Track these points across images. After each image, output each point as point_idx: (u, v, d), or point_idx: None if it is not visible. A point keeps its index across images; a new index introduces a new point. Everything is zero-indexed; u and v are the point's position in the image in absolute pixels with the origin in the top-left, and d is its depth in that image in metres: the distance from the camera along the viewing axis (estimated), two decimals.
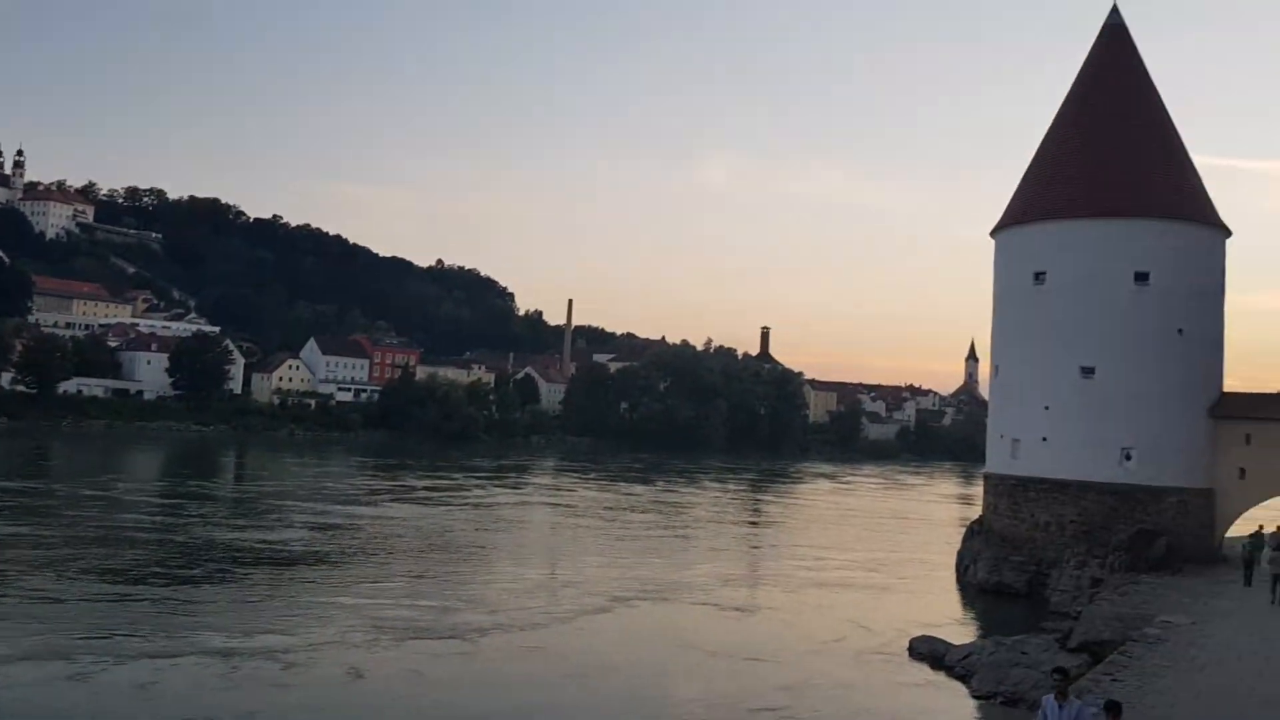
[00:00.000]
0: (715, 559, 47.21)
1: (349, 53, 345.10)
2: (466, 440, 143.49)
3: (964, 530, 47.60)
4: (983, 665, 25.92)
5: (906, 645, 29.29)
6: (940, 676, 26.55)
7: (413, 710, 21.41)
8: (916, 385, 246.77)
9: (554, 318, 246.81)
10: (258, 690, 21.93)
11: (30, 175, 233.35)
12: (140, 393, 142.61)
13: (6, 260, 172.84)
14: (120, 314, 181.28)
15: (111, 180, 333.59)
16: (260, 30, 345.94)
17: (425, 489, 74.25)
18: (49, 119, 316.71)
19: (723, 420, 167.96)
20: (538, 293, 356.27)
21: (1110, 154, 41.91)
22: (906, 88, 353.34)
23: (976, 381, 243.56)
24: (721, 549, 51.23)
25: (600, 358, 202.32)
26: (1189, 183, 42.50)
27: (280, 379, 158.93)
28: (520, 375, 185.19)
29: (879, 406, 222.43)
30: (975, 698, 24.41)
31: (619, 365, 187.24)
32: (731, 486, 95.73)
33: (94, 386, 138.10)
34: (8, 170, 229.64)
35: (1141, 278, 40.25)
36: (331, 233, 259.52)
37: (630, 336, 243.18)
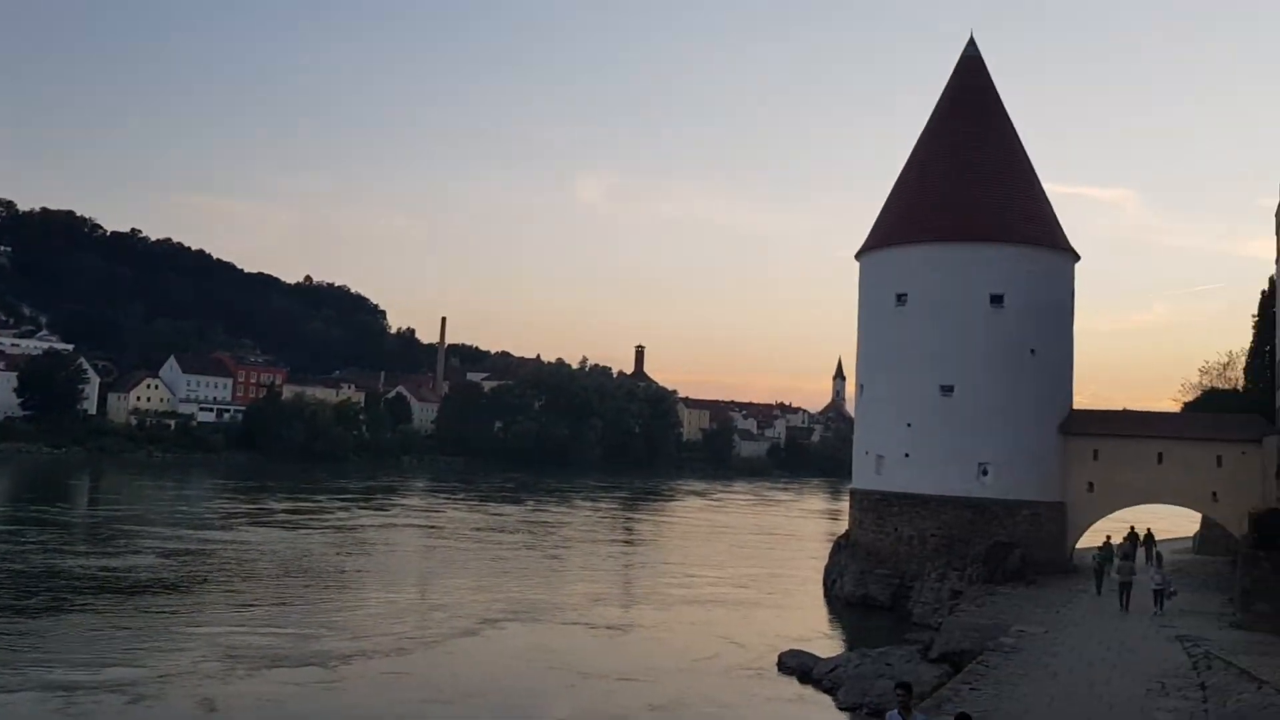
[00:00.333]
0: (587, 578, 46.83)
1: (213, 61, 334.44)
2: (335, 461, 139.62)
3: (831, 545, 48.46)
4: (849, 677, 26.28)
5: (776, 660, 29.53)
6: (808, 689, 26.83)
7: None
8: (787, 403, 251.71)
9: (427, 336, 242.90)
10: None
11: None
12: None
13: None
14: None
15: None
16: (119, 35, 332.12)
17: (287, 512, 71.68)
18: None
19: (597, 439, 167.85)
20: (410, 311, 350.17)
21: (968, 181, 43.48)
22: (778, 114, 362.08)
23: (844, 399, 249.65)
24: (593, 568, 50.89)
25: (474, 376, 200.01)
26: (1041, 209, 44.44)
27: (138, 399, 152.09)
28: (391, 394, 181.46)
29: (751, 424, 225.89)
30: (842, 709, 24.71)
31: (493, 384, 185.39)
32: (604, 505, 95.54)
33: None
34: None
35: (997, 300, 41.82)
36: (194, 247, 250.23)
37: (505, 355, 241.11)
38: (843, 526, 50.65)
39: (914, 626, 35.49)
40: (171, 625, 31.33)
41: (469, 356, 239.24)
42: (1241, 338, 66.38)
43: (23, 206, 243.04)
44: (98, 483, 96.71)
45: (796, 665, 28.64)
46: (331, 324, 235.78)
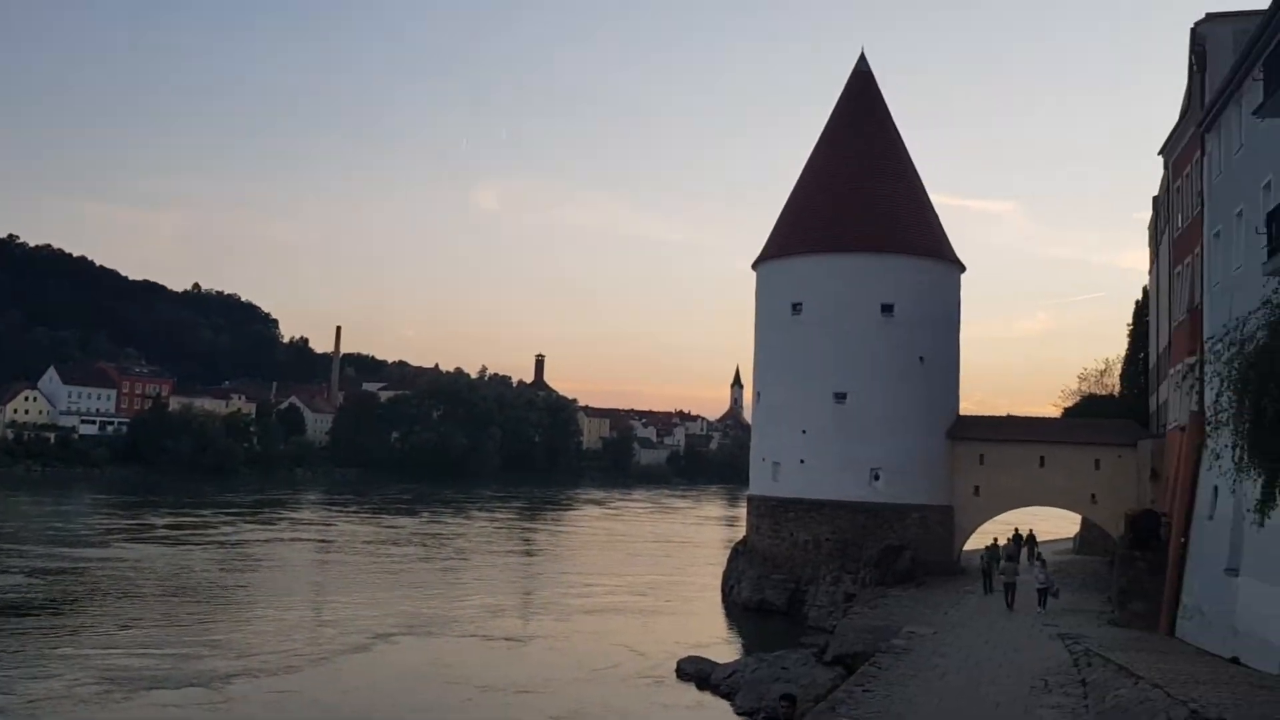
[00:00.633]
0: (484, 590, 46.14)
1: (93, 60, 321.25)
2: (224, 474, 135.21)
3: (730, 551, 48.82)
4: (745, 683, 26.43)
5: (675, 667, 29.53)
6: (706, 696, 26.89)
7: None
8: (686, 411, 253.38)
9: (321, 345, 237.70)
10: None
11: None
12: None
13: None
14: None
15: None
16: None
17: (169, 527, 68.94)
18: None
19: (497, 448, 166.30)
20: (304, 319, 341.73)
21: (860, 194, 44.40)
22: (677, 124, 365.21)
23: (741, 407, 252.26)
24: (490, 580, 50.18)
25: (370, 386, 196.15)
26: (929, 221, 45.64)
27: (15, 411, 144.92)
28: (284, 405, 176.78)
29: (650, 432, 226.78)
30: (739, 715, 24.81)
31: (390, 394, 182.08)
32: (502, 515, 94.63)
33: None
34: None
35: (887, 309, 42.78)
36: (75, 254, 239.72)
37: (402, 365, 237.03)
38: (741, 533, 51.09)
39: (809, 630, 35.95)
40: (43, 647, 29.78)
41: (365, 366, 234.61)
42: (1118, 345, 69.23)
43: None
44: None
45: (695, 671, 28.70)
46: (221, 333, 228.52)
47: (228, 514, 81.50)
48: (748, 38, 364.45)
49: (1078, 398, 61.31)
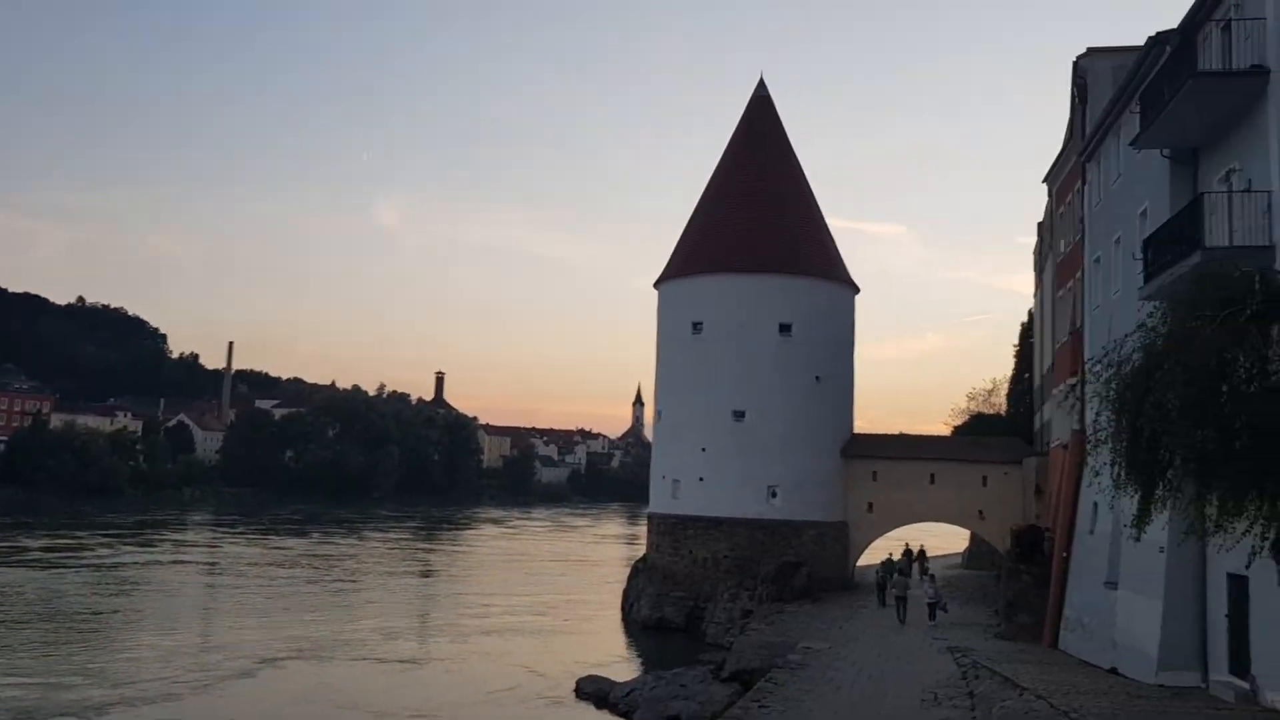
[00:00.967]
0: (377, 612, 45.01)
1: None
2: (108, 495, 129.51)
3: (630, 569, 48.74)
4: (644, 700, 26.32)
5: (574, 686, 29.26)
6: (605, 715, 26.69)
7: None
8: (588, 429, 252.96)
9: (212, 361, 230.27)
10: None
11: None
12: None
13: None
14: None
15: None
16: None
17: (44, 550, 65.60)
18: None
19: (394, 467, 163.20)
20: (194, 335, 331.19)
21: (759, 216, 45.01)
22: (579, 142, 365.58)
23: (643, 425, 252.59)
24: (384, 602, 48.99)
25: (263, 403, 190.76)
26: (825, 243, 46.52)
27: None
28: (172, 423, 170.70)
29: (551, 450, 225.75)
30: None
31: (284, 411, 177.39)
32: (397, 535, 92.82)
33: None
34: None
35: (785, 329, 43.41)
36: None
37: (297, 381, 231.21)
38: (641, 551, 51.10)
39: (708, 647, 36.03)
40: None
41: (258, 383, 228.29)
42: (1004, 366, 71.40)
43: None
44: None
45: (593, 691, 28.49)
46: (106, 348, 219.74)
47: (107, 535, 77.95)
48: (650, 59, 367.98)
49: (967, 416, 63.06)
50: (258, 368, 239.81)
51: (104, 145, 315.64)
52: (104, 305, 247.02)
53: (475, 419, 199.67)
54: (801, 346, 43.46)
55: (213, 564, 62.99)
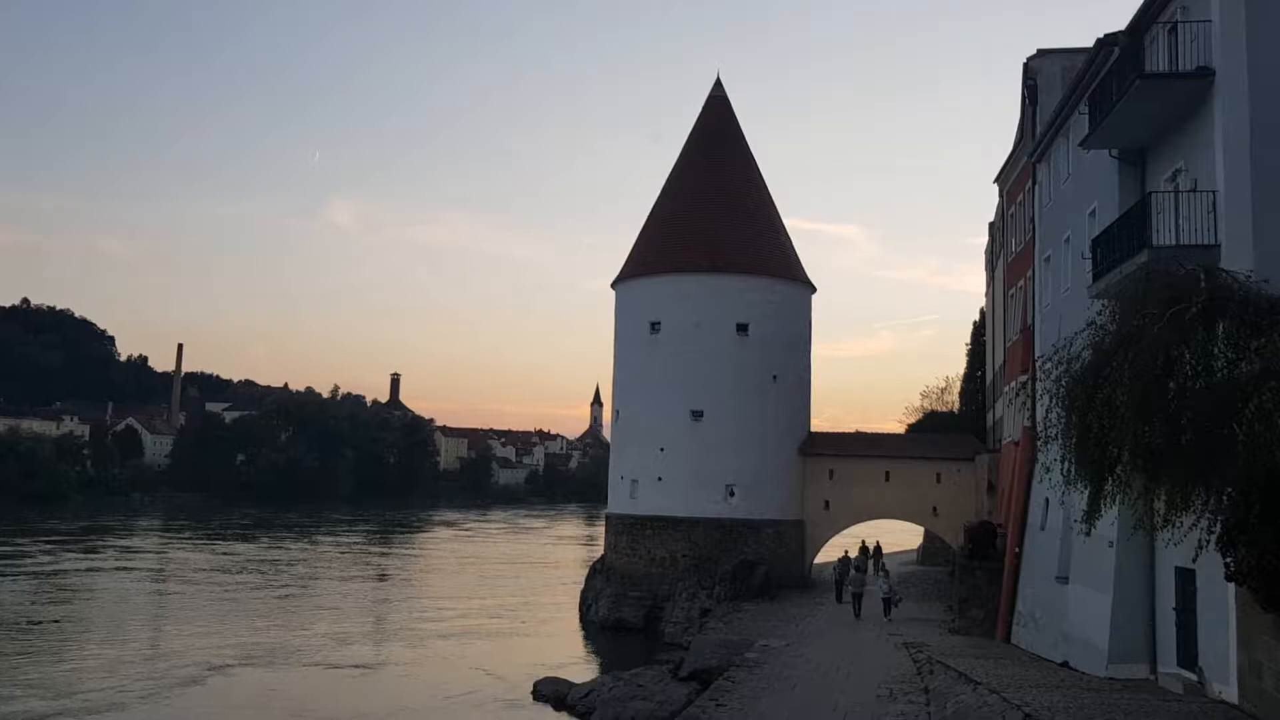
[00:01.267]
0: (330, 617, 44.44)
1: None
2: (53, 501, 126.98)
3: (588, 570, 48.67)
4: (602, 701, 26.27)
5: (531, 688, 29.15)
6: (563, 716, 26.63)
7: None
8: (546, 430, 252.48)
9: (161, 364, 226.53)
10: None
11: None
12: None
13: None
14: None
15: None
16: None
17: None
18: None
19: (350, 470, 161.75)
20: (143, 337, 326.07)
21: (715, 216, 45.15)
22: (536, 143, 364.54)
23: (601, 425, 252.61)
24: (337, 607, 48.38)
25: (214, 407, 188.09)
26: (782, 243, 46.78)
27: None
28: (120, 427, 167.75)
29: (509, 451, 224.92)
30: None
31: (236, 415, 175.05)
32: (352, 540, 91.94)
33: None
34: None
35: (742, 329, 43.61)
36: None
37: (249, 384, 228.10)
38: (599, 551, 51.04)
39: (666, 646, 36.07)
40: None
41: (209, 386, 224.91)
42: (957, 364, 72.31)
43: None
44: None
45: (551, 693, 28.41)
46: (52, 350, 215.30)
47: (50, 543, 76.16)
48: (607, 58, 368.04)
49: (920, 414, 63.78)
50: (208, 370, 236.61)
51: (47, 146, 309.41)
52: (49, 307, 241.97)
53: (432, 421, 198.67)
54: (759, 346, 43.68)
55: (160, 570, 61.90)
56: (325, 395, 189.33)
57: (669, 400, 43.28)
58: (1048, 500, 25.76)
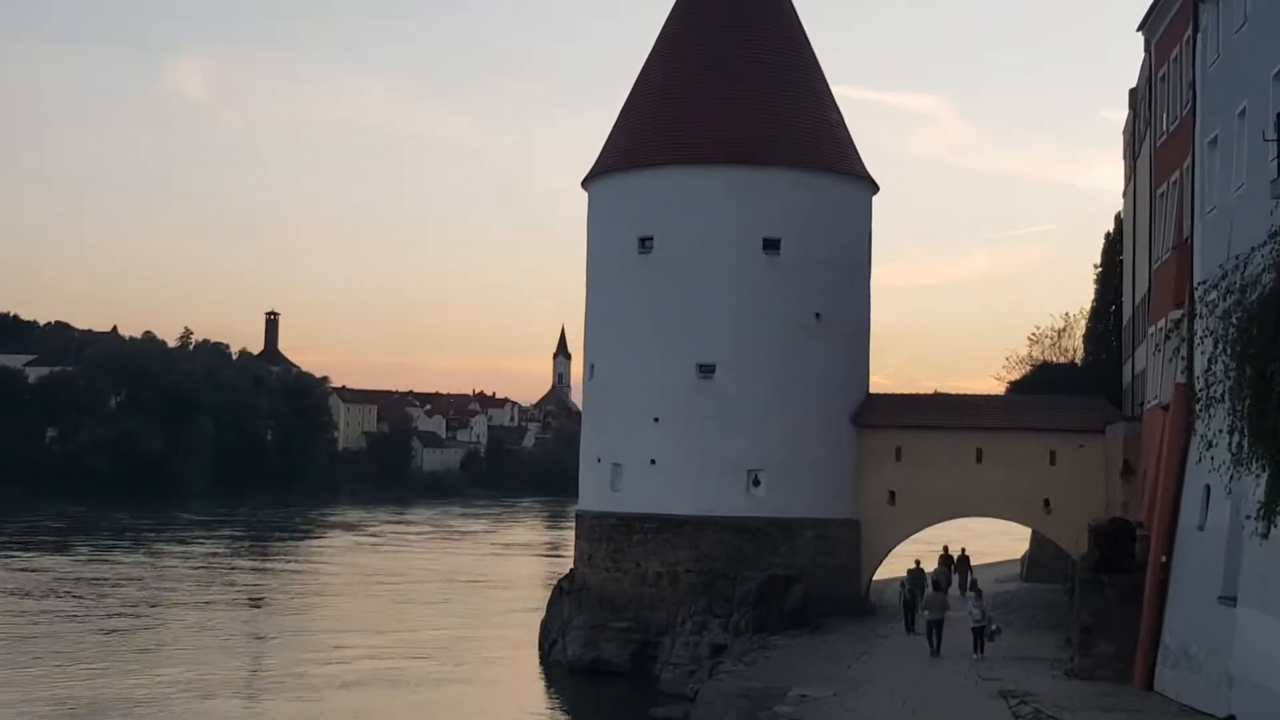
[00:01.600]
0: (184, 660, 44.46)
1: None
2: None
3: (551, 591, 48.97)
4: None
5: None
6: None
7: None
8: (489, 393, 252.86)
9: None
10: None
11: None
12: None
13: None
14: None
15: None
16: None
17: None
18: None
19: (208, 451, 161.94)
20: None
21: (735, 87, 44.70)
22: None
23: (568, 387, 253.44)
24: (193, 644, 48.42)
25: (11, 360, 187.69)
26: (830, 123, 46.45)
27: None
28: None
29: (437, 424, 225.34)
30: None
31: (43, 371, 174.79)
32: (211, 550, 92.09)
33: None
34: None
35: (771, 246, 43.44)
36: None
37: (63, 329, 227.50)
38: (565, 565, 51.23)
39: (662, 697, 36.34)
40: None
41: (5, 331, 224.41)
42: (1081, 295, 72.28)
43: None
44: None
45: None
46: None
47: None
48: None
49: (1028, 367, 63.80)
50: (3, 309, 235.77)
51: None
52: None
53: (325, 380, 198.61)
54: (795, 270, 43.53)
55: None
56: (171, 344, 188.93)
57: (666, 349, 43.18)
58: (1208, 489, 25.87)
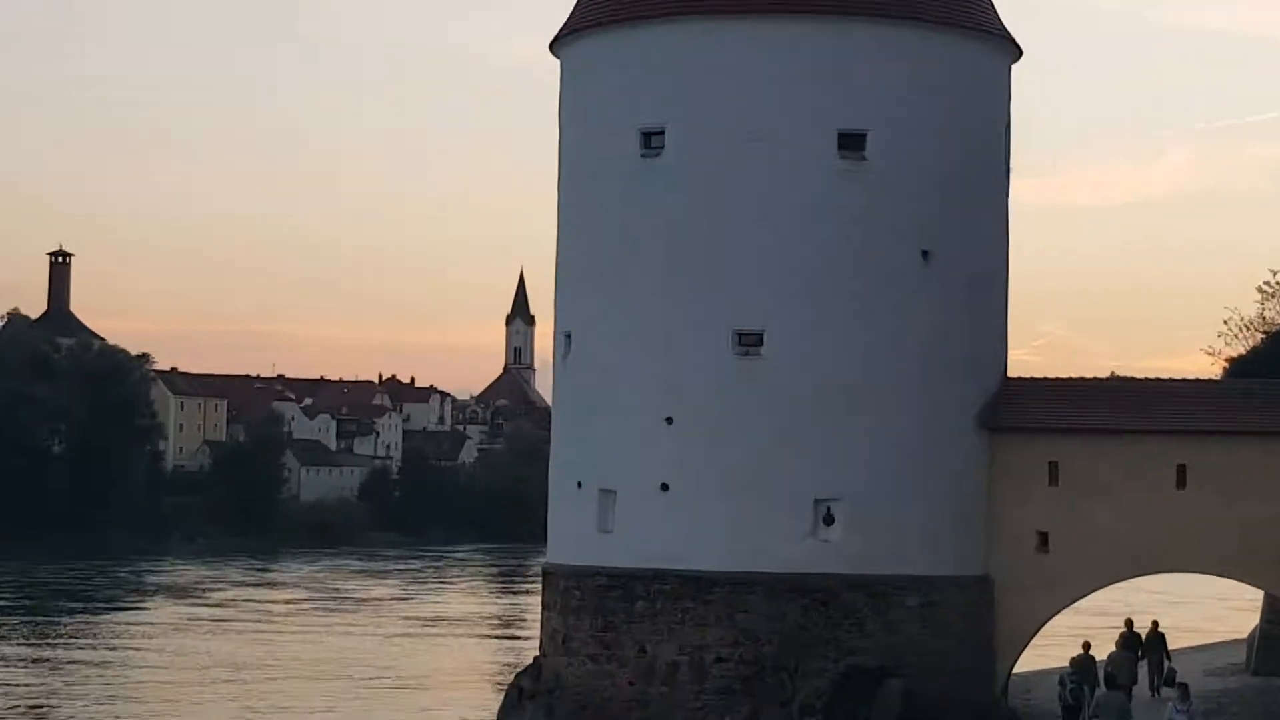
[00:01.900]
0: None
1: None
2: None
3: (505, 693, 49.12)
4: None
5: None
6: None
7: None
8: (406, 379, 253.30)
9: None
10: None
11: None
12: None
13: None
14: None
15: None
16: None
17: None
18: None
19: None
20: None
21: None
22: None
23: (529, 368, 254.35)
24: None
25: None
26: None
27: None
28: None
29: (324, 428, 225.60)
30: None
31: None
32: None
33: None
34: None
35: (853, 144, 43.39)
36: None
37: None
38: (527, 651, 51.41)
39: None
40: None
41: None
42: None
43: None
44: None
45: None
46: None
47: None
48: None
49: (1258, 336, 63.71)
50: None
51: None
52: None
53: (145, 359, 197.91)
54: (890, 184, 43.55)
55: None
56: None
57: (685, 309, 43.31)
58: None
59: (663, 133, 44.09)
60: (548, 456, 48.79)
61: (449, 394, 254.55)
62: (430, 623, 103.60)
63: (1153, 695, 42.68)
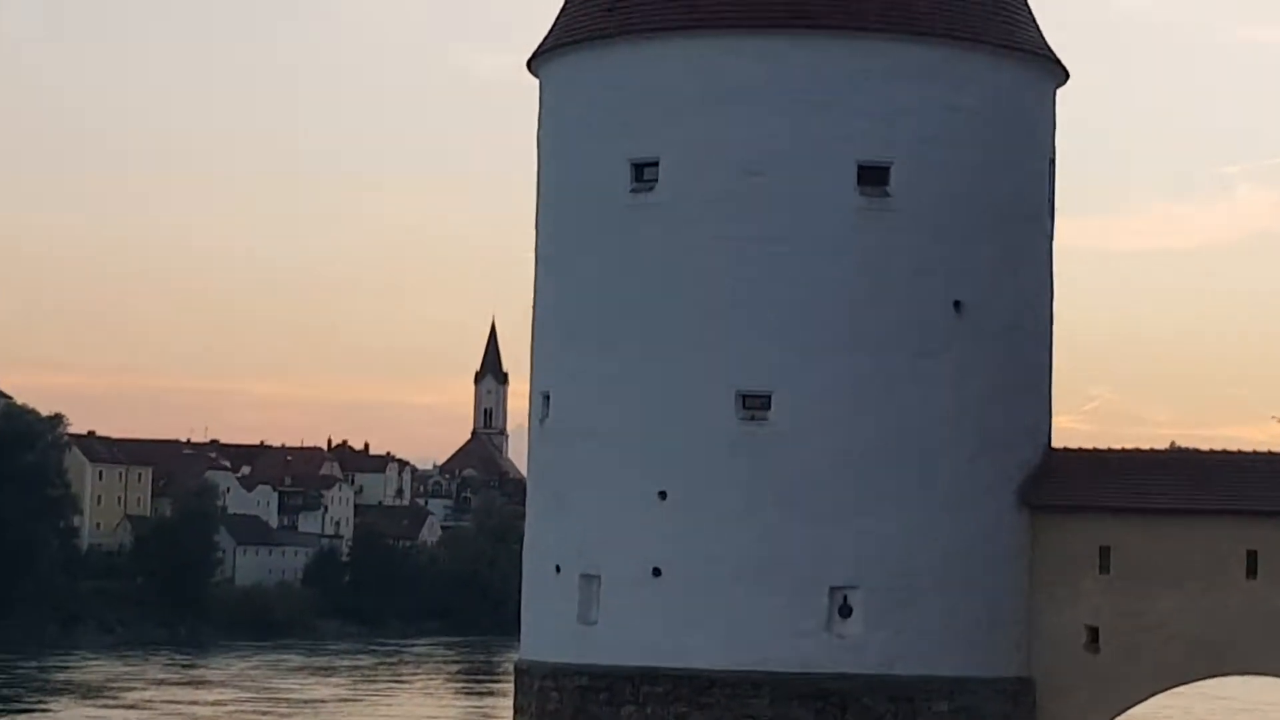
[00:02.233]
0: None
1: None
2: None
3: None
4: None
5: None
6: None
7: None
8: (358, 446, 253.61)
9: None
10: None
11: None
12: None
13: None
14: None
15: None
16: None
17: None
18: None
19: None
20: None
21: None
22: None
23: (502, 433, 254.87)
24: None
25: None
26: None
27: None
28: None
29: (264, 500, 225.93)
30: None
31: None
32: None
33: None
34: None
35: (875, 178, 43.65)
36: None
37: None
38: None
39: None
40: None
41: None
42: None
43: None
44: None
45: None
46: None
47: None
48: None
49: None
50: None
51: None
52: None
53: (59, 421, 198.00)
54: (917, 224, 43.81)
55: None
56: None
57: (682, 367, 43.48)
58: None
59: (656, 164, 44.34)
60: (521, 536, 48.84)
61: (408, 463, 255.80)
62: None
63: None
